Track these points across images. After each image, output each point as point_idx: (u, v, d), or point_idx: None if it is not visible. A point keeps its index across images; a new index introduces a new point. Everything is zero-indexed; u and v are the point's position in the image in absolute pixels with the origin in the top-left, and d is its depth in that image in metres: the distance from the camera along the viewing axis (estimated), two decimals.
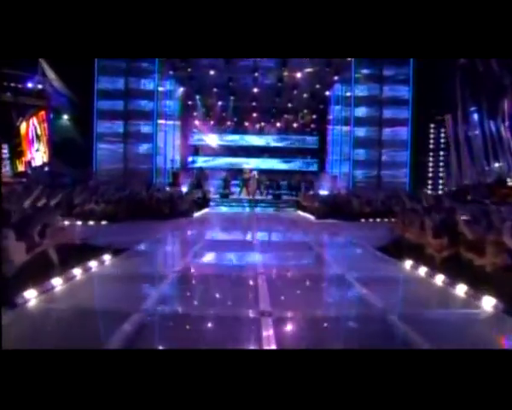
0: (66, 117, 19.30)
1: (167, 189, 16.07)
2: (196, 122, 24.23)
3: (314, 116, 24.20)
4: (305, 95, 21.43)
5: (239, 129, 25.39)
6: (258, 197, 17.80)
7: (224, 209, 16.24)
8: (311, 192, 19.34)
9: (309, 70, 18.66)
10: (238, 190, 18.79)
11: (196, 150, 25.05)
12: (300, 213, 14.49)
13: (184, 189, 17.83)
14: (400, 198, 12.13)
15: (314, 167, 25.69)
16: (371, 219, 10.91)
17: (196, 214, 12.68)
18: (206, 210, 15.16)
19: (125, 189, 11.52)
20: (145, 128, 17.04)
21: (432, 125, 18.14)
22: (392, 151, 17.61)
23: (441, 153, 17.85)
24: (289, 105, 22.47)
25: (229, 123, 24.98)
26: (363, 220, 10.89)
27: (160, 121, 18.00)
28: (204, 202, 15.02)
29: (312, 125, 25.57)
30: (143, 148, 16.88)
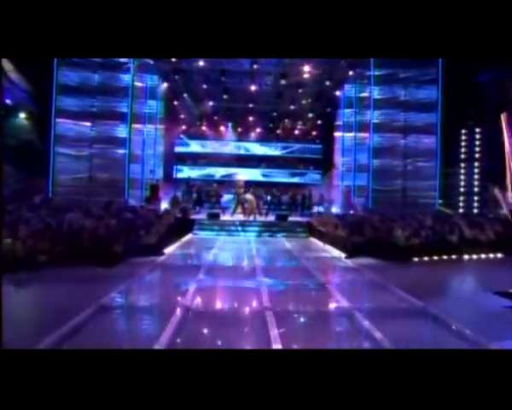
0: (23, 115, 15.96)
1: (141, 205, 12.75)
2: (183, 127, 21.04)
3: (319, 121, 21.13)
4: (310, 96, 18.41)
5: (233, 135, 22.29)
6: (258, 219, 14.18)
7: (211, 237, 12.37)
8: (319, 210, 16.22)
9: (317, 66, 15.68)
10: (231, 208, 15.45)
11: (183, 159, 21.85)
12: (317, 242, 11.07)
13: (165, 205, 14.56)
14: (455, 223, 9.04)
15: (317, 180, 22.66)
16: (426, 258, 7.68)
17: (169, 250, 8.94)
18: (187, 238, 11.54)
19: (73, 209, 8.21)
20: (117, 131, 13.77)
21: (463, 131, 15.16)
22: (416, 161, 14.60)
23: (476, 164, 14.84)
24: (292, 107, 19.40)
25: (222, 128, 21.87)
26: (416, 260, 7.61)
27: (138, 124, 14.78)
28: (185, 225, 11.67)
29: (314, 133, 22.59)
30: (114, 155, 13.56)
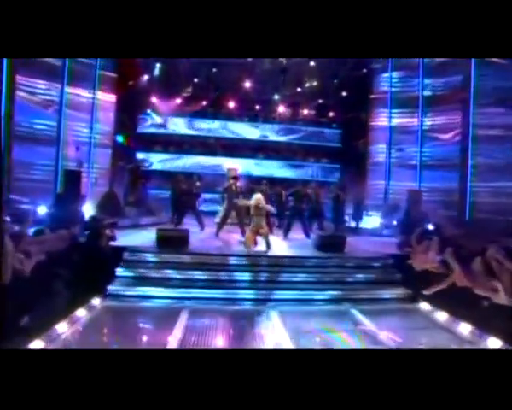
0: None
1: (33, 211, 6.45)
2: (154, 98, 14.58)
3: (344, 93, 14.87)
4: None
5: (221, 111, 16.03)
6: (274, 248, 6.83)
7: (150, 332, 4.46)
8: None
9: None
10: (216, 218, 9.07)
11: (151, 142, 15.46)
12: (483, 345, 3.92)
13: (89, 208, 8.31)
14: None
15: (334, 177, 16.57)
16: None
17: None
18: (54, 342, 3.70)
19: None
20: None
21: None
22: None
23: None
24: (311, 63, 13.13)
25: (205, 102, 15.55)
26: None
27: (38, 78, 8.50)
28: (90, 270, 4.76)
29: (332, 114, 16.43)
30: None
